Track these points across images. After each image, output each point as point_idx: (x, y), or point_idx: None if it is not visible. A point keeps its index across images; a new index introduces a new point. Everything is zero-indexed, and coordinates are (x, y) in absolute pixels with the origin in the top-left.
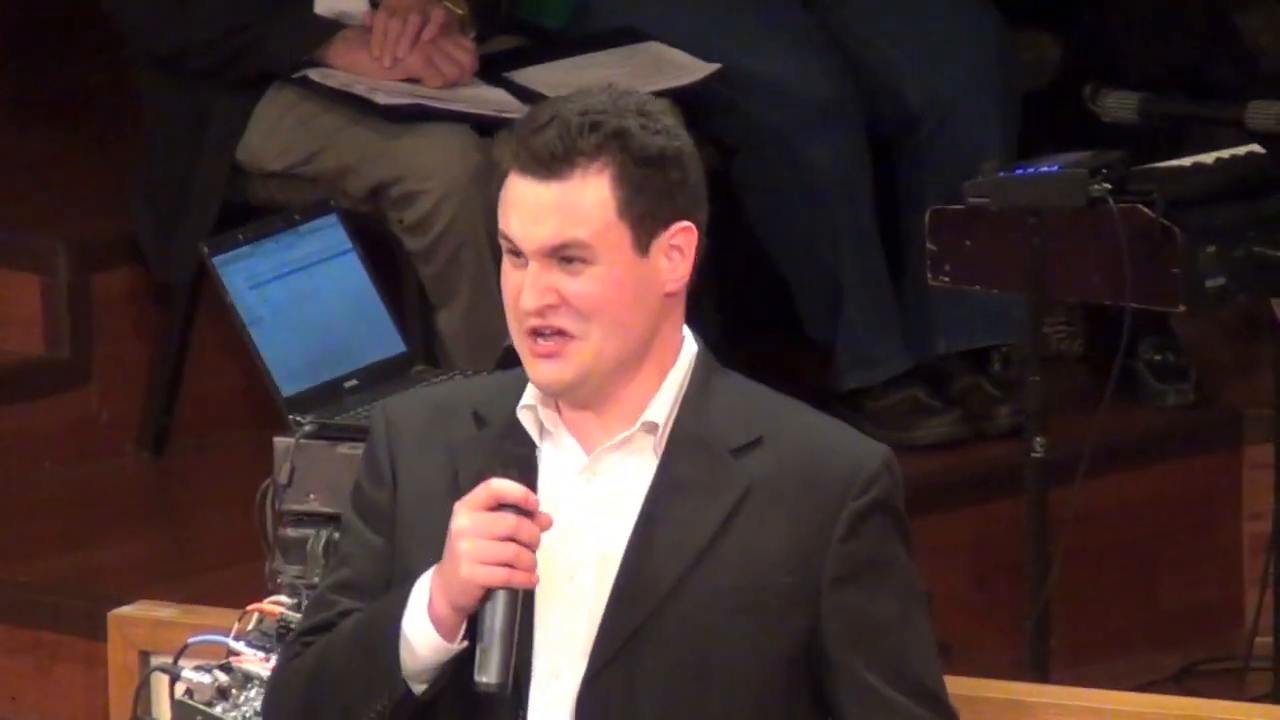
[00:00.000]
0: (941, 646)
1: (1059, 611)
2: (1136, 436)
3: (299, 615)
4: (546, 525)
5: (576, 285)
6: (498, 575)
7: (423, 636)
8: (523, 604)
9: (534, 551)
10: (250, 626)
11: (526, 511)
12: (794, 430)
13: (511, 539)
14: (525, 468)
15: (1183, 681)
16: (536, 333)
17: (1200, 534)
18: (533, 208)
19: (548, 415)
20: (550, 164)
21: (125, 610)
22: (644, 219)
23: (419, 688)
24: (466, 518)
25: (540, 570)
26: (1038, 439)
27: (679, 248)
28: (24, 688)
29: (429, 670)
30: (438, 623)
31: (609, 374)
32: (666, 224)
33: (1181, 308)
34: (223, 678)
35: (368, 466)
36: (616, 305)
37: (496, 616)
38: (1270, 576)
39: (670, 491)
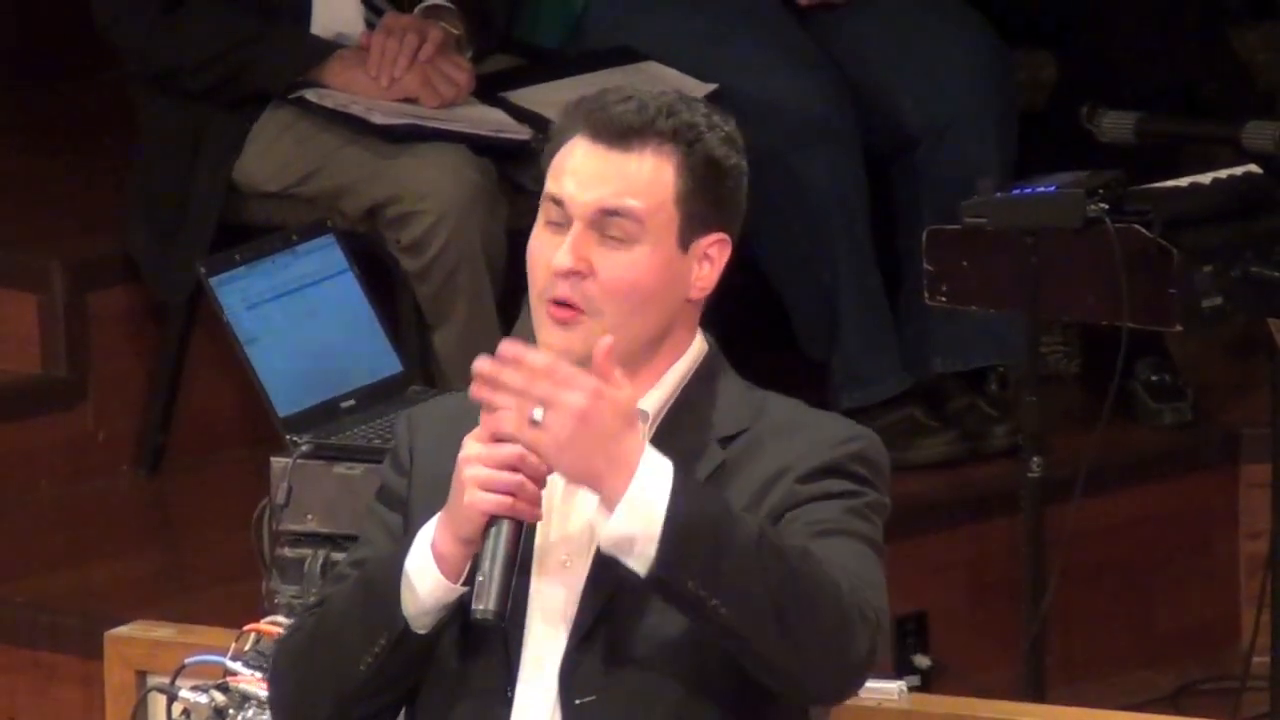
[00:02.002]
0: (938, 665)
1: (1055, 631)
2: (1133, 456)
3: None
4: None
5: (612, 261)
6: (502, 503)
7: (425, 575)
8: (518, 580)
9: (539, 486)
10: (247, 646)
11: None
12: (782, 416)
13: (515, 469)
14: None
15: (1179, 701)
16: (556, 302)
17: (1197, 553)
18: (595, 171)
19: None
20: (625, 134)
21: (122, 630)
22: (693, 216)
23: (419, 631)
24: (473, 446)
25: (536, 552)
26: (1034, 458)
27: (711, 258)
28: (21, 707)
29: (429, 615)
30: (440, 559)
31: (624, 357)
32: (708, 229)
33: (1178, 327)
34: (220, 698)
35: (390, 460)
36: (642, 292)
37: (499, 545)
38: (1267, 596)
39: None
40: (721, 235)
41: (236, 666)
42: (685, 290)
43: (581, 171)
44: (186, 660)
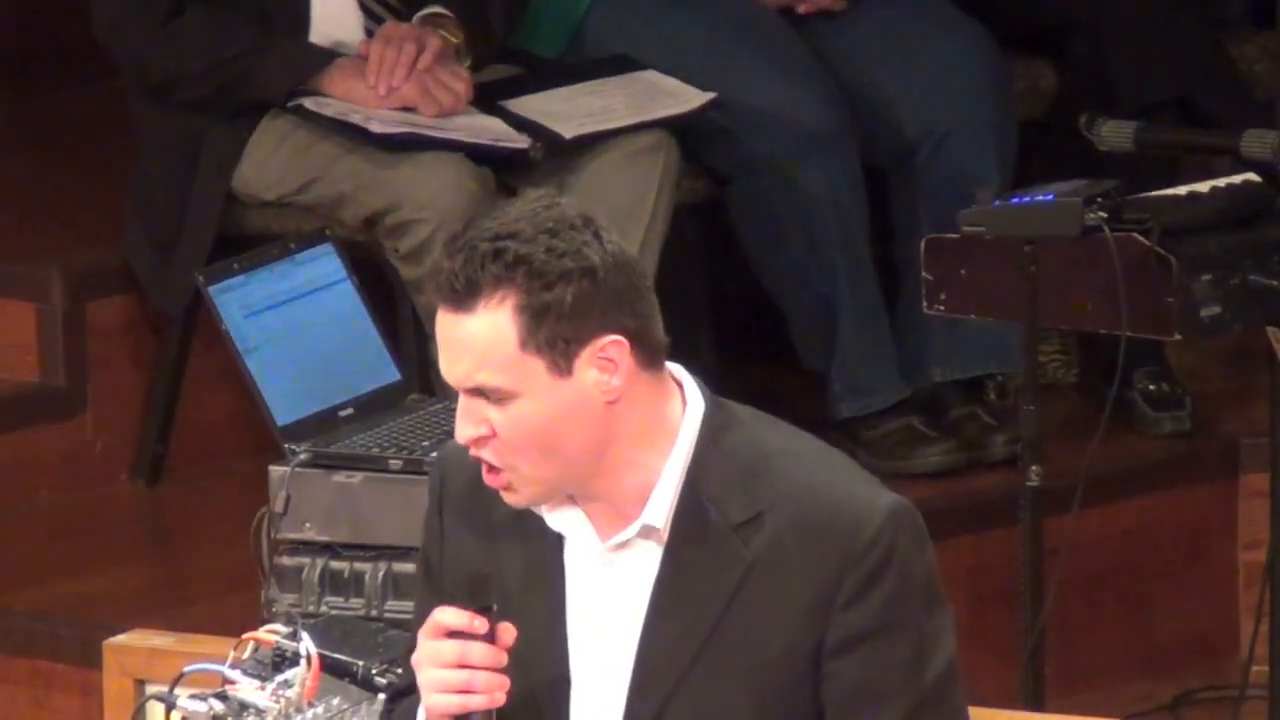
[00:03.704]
0: None
1: (1054, 640)
2: (1132, 465)
3: (294, 643)
4: (508, 641)
5: (501, 419)
6: (453, 703)
7: None
8: (557, 691)
9: (497, 670)
10: (246, 655)
11: (481, 636)
12: (795, 497)
13: (463, 665)
14: (480, 586)
15: (1178, 711)
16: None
17: (1196, 563)
18: (447, 343)
19: (558, 513)
20: (454, 297)
21: (121, 639)
22: (555, 343)
23: None
24: (422, 649)
25: (572, 656)
26: (1033, 468)
27: (610, 359)
28: (20, 716)
29: None
30: None
31: (574, 482)
32: (587, 341)
33: (1177, 336)
34: (218, 706)
35: (426, 519)
36: (548, 434)
37: None
38: (1266, 605)
39: (677, 576)
40: (610, 338)
41: (235, 675)
42: (596, 400)
43: (441, 344)
44: (185, 669)
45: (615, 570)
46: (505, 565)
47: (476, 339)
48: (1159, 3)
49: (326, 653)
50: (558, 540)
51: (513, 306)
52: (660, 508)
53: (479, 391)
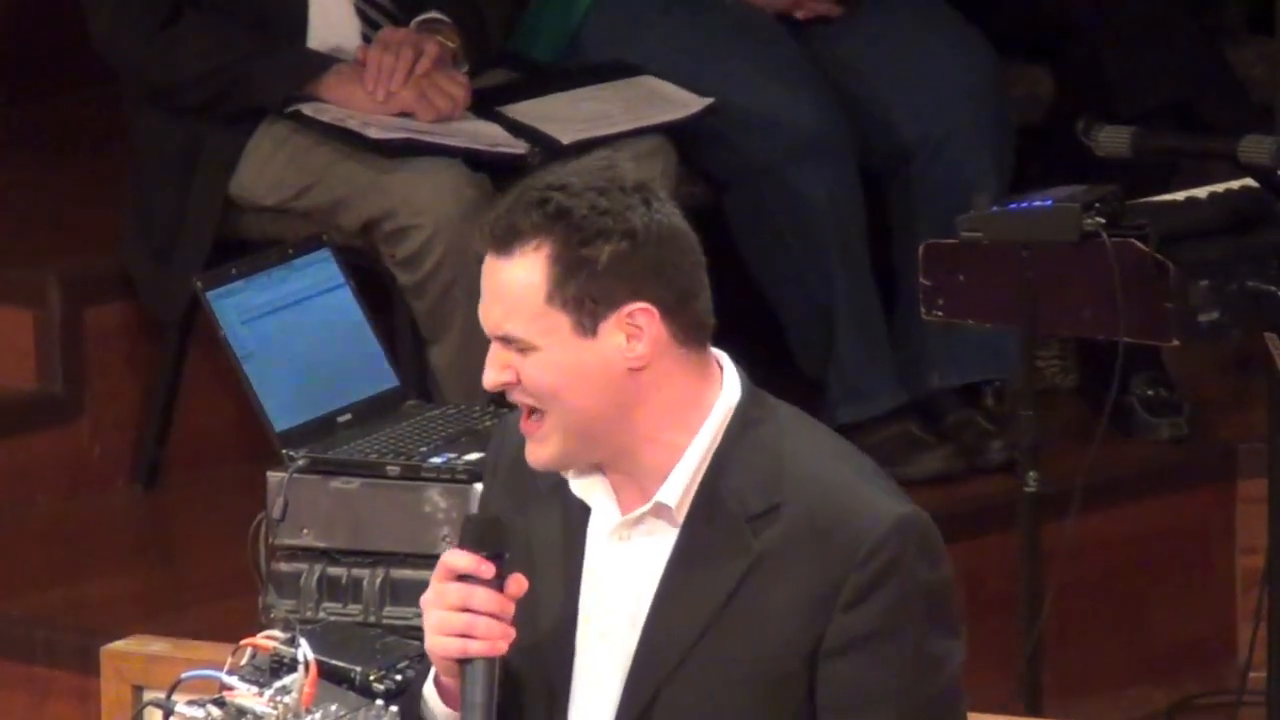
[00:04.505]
0: None
1: (1051, 646)
2: (1130, 471)
3: (292, 649)
4: (517, 591)
5: (524, 367)
6: (453, 646)
7: (434, 702)
8: (561, 657)
9: (501, 619)
10: (244, 661)
11: (488, 580)
12: (812, 494)
13: (466, 608)
14: (491, 532)
15: (1175, 716)
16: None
17: (1194, 568)
18: (488, 289)
19: (582, 480)
20: (496, 241)
21: (118, 645)
22: (584, 301)
23: None
24: (430, 590)
25: (580, 626)
26: (1030, 473)
27: (638, 326)
28: None
29: None
30: (442, 691)
31: (598, 447)
32: (616, 305)
33: (1175, 342)
34: (216, 712)
35: (482, 487)
36: (563, 389)
37: (470, 687)
38: (1264, 611)
39: (687, 560)
40: (639, 304)
41: (233, 681)
42: (619, 365)
43: (482, 289)
44: (183, 675)
45: (631, 547)
46: (536, 533)
47: (509, 286)
48: (1156, 8)
49: (324, 659)
50: (585, 514)
51: (547, 256)
52: (676, 487)
53: (506, 339)
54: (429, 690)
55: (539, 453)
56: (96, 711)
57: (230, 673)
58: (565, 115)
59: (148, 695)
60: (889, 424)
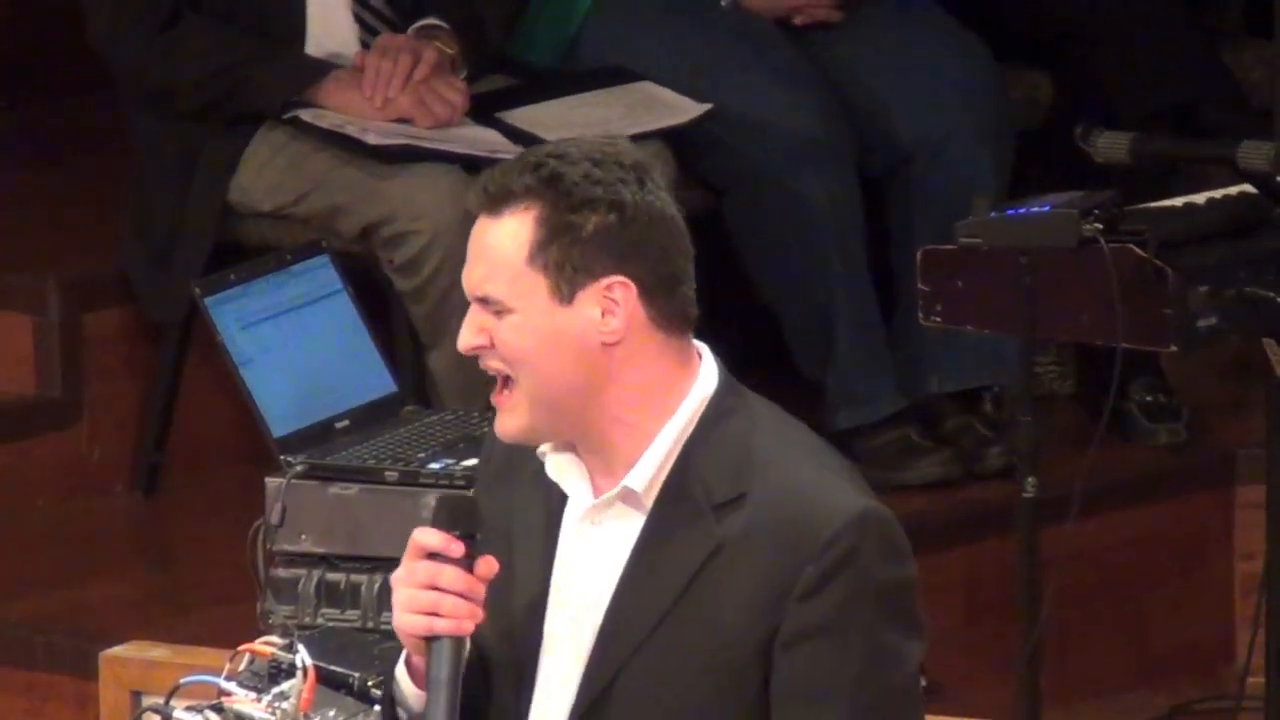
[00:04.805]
0: (932, 685)
1: (1050, 651)
2: (1128, 476)
3: (290, 655)
4: (486, 572)
5: (499, 330)
6: (419, 624)
7: (404, 682)
8: (530, 640)
9: (469, 599)
10: (242, 667)
11: (458, 560)
12: (777, 485)
13: (433, 586)
14: (463, 512)
15: None
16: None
17: (1192, 573)
18: (471, 248)
19: (557, 460)
20: (488, 201)
21: (117, 650)
22: (563, 267)
23: None
24: (400, 567)
25: (550, 610)
26: (1029, 479)
27: (614, 301)
28: None
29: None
30: (412, 672)
31: (566, 423)
32: (596, 276)
33: (1173, 348)
34: (214, 718)
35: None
36: (534, 355)
37: (435, 665)
38: (1262, 616)
39: (652, 546)
40: (615, 279)
41: (231, 687)
42: (593, 338)
43: (468, 250)
44: (181, 680)
45: (602, 532)
46: (518, 518)
47: (493, 247)
48: (1155, 13)
49: (322, 664)
50: (564, 500)
51: (534, 218)
52: (645, 473)
53: (484, 301)
54: (400, 671)
55: (507, 423)
56: (95, 716)
57: (229, 678)
58: (564, 121)
59: (146, 700)
60: (888, 429)
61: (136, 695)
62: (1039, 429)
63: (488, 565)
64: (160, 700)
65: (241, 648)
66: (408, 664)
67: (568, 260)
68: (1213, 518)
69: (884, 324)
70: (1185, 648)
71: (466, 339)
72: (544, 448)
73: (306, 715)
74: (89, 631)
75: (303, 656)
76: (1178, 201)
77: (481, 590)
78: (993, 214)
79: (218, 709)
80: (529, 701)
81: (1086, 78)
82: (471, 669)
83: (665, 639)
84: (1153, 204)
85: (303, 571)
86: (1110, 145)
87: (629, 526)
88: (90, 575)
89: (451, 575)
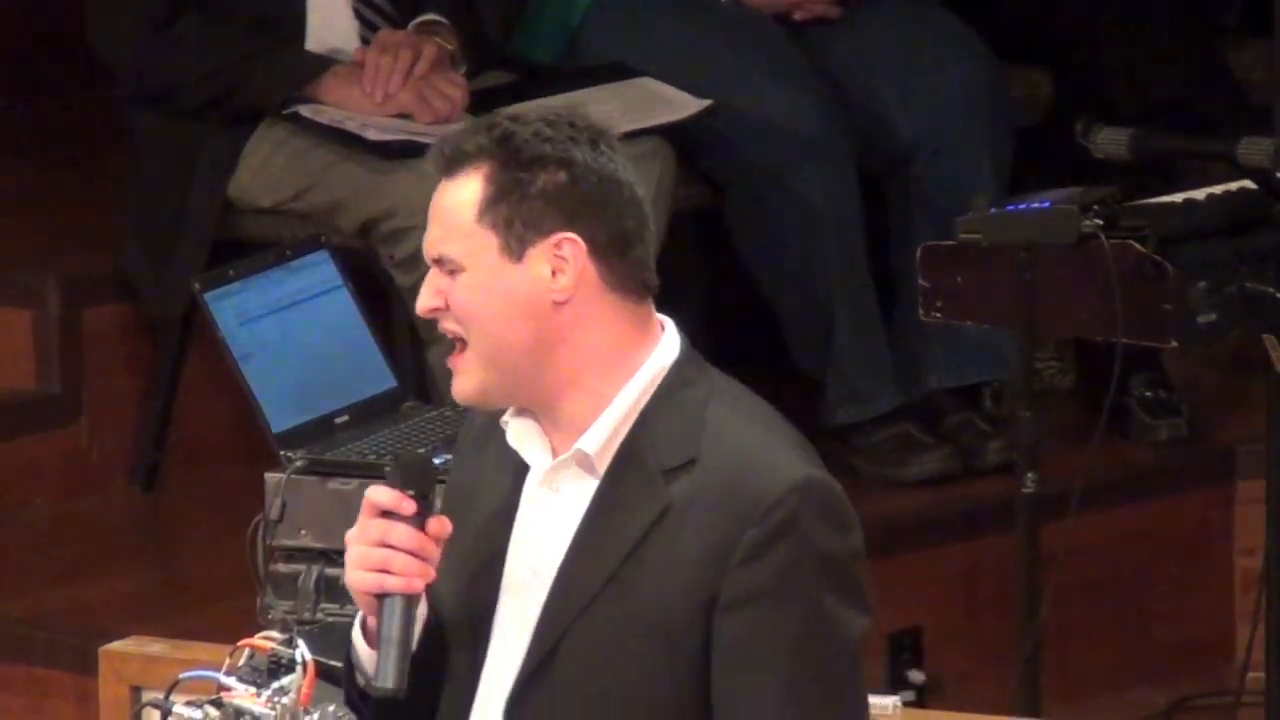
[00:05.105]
0: (932, 681)
1: (1050, 647)
2: (1128, 472)
3: (290, 650)
4: (438, 531)
5: (453, 290)
6: (370, 580)
7: (360, 645)
8: (485, 603)
9: (421, 557)
10: (241, 662)
11: (409, 517)
12: (726, 451)
13: (385, 544)
14: (417, 471)
15: (1174, 717)
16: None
17: (1192, 569)
18: (431, 213)
19: (519, 426)
20: (444, 163)
21: (116, 645)
22: (512, 224)
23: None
24: (354, 526)
25: (506, 574)
26: (1029, 474)
27: (564, 258)
28: None
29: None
30: (366, 634)
31: (519, 384)
32: (545, 233)
33: (1173, 343)
34: (214, 713)
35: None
36: (486, 314)
37: (385, 623)
38: (1262, 611)
39: (603, 510)
40: (564, 236)
41: (231, 682)
42: (543, 296)
43: (429, 212)
44: (181, 676)
45: (559, 497)
46: (485, 484)
47: (448, 208)
48: (1155, 10)
49: (322, 659)
50: (525, 468)
51: (484, 175)
52: (598, 437)
53: (439, 261)
54: (355, 634)
55: (461, 384)
56: (95, 712)
57: (228, 673)
58: None
59: (146, 696)
60: (887, 425)
61: (136, 690)
62: (1039, 425)
63: (440, 524)
64: (160, 695)
65: (241, 643)
66: (363, 627)
67: (516, 217)
68: (1213, 513)
69: (884, 320)
70: (1185, 643)
71: (424, 301)
72: (506, 415)
73: (306, 710)
74: (88, 627)
75: (302, 651)
76: (1178, 197)
77: (434, 549)
78: (993, 210)
79: (217, 704)
80: (482, 662)
81: (1086, 75)
82: (429, 630)
83: (610, 601)
84: (1152, 200)
85: (302, 567)
86: (1111, 141)
87: (584, 490)
88: (89, 571)
89: (403, 533)
